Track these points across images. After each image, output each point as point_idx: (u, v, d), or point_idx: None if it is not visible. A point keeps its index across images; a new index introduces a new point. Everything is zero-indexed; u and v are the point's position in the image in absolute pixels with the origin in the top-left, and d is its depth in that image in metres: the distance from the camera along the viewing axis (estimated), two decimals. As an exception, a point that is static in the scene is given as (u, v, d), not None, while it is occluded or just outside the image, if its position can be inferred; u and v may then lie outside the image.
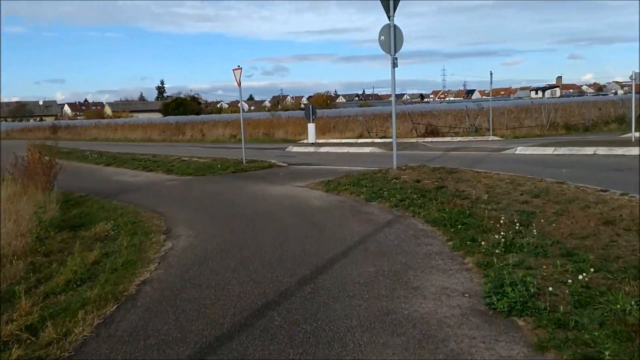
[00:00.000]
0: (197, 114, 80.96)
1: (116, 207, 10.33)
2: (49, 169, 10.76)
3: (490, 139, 23.90)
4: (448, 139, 25.53)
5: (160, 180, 14.42)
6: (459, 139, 25.02)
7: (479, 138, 24.70)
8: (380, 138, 27.43)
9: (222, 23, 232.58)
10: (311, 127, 25.50)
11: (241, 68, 16.20)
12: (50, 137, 53.01)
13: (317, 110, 31.69)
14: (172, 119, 57.69)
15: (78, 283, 5.55)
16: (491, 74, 25.44)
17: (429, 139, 25.42)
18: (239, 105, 17.35)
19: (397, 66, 12.71)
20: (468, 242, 5.98)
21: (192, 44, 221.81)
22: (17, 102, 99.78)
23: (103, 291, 5.10)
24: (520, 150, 17.02)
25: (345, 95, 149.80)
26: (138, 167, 17.61)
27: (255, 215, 8.60)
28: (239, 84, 16.32)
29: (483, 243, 5.79)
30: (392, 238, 6.62)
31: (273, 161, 17.08)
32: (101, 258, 6.55)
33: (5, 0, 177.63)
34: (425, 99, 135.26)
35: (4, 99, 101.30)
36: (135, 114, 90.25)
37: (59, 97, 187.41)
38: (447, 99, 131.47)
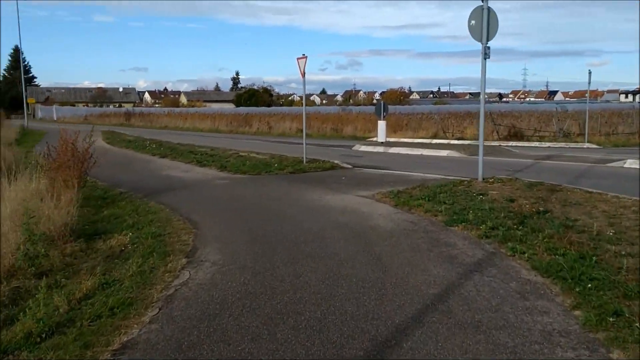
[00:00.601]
0: (269, 105, 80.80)
1: (150, 211, 8.92)
2: (80, 163, 9.46)
3: (585, 147, 20.99)
4: (536, 144, 22.74)
5: (210, 178, 13.00)
6: (548, 144, 22.21)
7: (572, 145, 21.80)
8: (457, 139, 25.03)
9: (299, 16, 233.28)
10: (381, 124, 23.48)
11: (306, 57, 14.49)
12: (124, 123, 54.14)
13: (389, 107, 29.61)
14: (242, 110, 57.43)
15: (43, 336, 4.01)
16: (590, 72, 22.29)
17: (513, 143, 22.76)
18: (304, 97, 15.71)
19: (488, 57, 10.57)
20: (610, 319, 3.93)
21: (269, 36, 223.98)
22: (98, 88, 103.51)
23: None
24: (631, 163, 14.29)
25: (420, 92, 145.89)
26: (192, 160, 16.34)
27: (303, 237, 6.82)
28: (303, 75, 14.63)
29: (638, 325, 3.73)
30: (487, 294, 4.65)
31: (336, 162, 15.30)
32: (95, 290, 5.03)
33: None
34: (504, 99, 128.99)
35: (89, 85, 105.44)
36: (208, 104, 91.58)
37: (142, 84, 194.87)
38: (528, 99, 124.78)
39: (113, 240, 6.92)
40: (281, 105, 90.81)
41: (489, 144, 22.00)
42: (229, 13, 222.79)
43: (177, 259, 5.92)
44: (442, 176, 12.13)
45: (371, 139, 25.91)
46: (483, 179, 10.58)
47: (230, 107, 79.18)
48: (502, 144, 22.41)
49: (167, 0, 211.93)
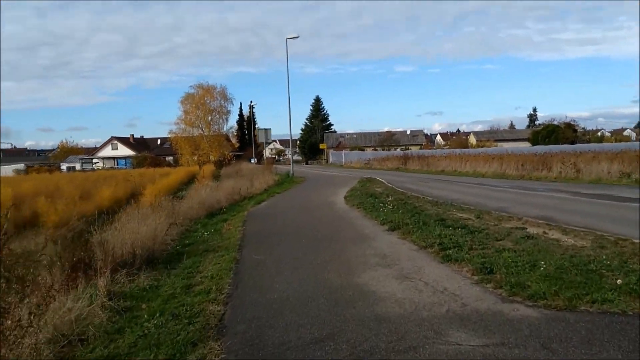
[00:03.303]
0: (572, 143, 67.36)
1: None
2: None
3: None
4: None
5: (441, 315, 5.26)
6: None
7: None
8: None
9: (608, 45, 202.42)
10: None
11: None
12: (400, 167, 49.59)
13: None
14: (537, 148, 47.23)
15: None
16: None
17: None
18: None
19: None
20: None
21: (572, 69, 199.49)
22: (387, 131, 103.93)
23: None
24: None
25: None
26: (432, 244, 8.71)
27: None
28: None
29: None
30: None
31: None
32: None
33: (397, 45, 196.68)
34: None
35: (374, 129, 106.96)
36: (499, 143, 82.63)
37: (436, 128, 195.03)
38: None
39: None
40: (588, 142, 75.61)
41: None
42: (529, 50, 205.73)
43: None
44: None
45: None
46: None
47: (524, 145, 68.70)
48: None
49: (466, 44, 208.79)
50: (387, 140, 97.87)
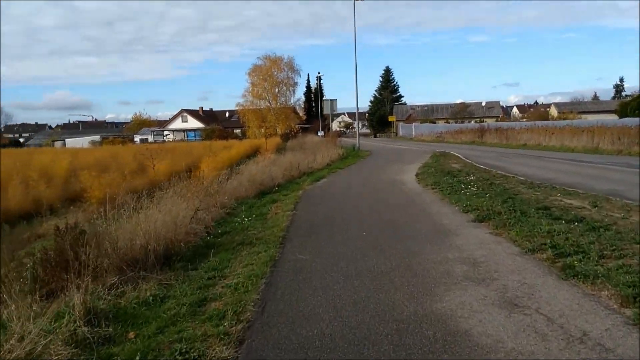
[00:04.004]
0: (666, 116, 60.56)
1: None
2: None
3: None
4: None
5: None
6: None
7: None
8: None
9: None
10: None
11: None
12: (476, 140, 45.98)
13: None
14: (627, 121, 42.14)
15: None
16: None
17: None
18: None
19: None
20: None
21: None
22: (460, 103, 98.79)
23: None
24: None
25: None
26: (542, 247, 6.24)
27: None
28: None
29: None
30: None
31: None
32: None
33: (473, 13, 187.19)
34: None
35: (446, 101, 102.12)
36: (583, 116, 76.23)
37: (512, 100, 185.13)
38: None
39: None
40: (685, 114, 67.85)
41: None
42: (614, 17, 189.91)
43: None
44: None
45: None
46: None
47: (611, 118, 62.60)
48: None
49: (547, 11, 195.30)
50: (461, 112, 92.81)
